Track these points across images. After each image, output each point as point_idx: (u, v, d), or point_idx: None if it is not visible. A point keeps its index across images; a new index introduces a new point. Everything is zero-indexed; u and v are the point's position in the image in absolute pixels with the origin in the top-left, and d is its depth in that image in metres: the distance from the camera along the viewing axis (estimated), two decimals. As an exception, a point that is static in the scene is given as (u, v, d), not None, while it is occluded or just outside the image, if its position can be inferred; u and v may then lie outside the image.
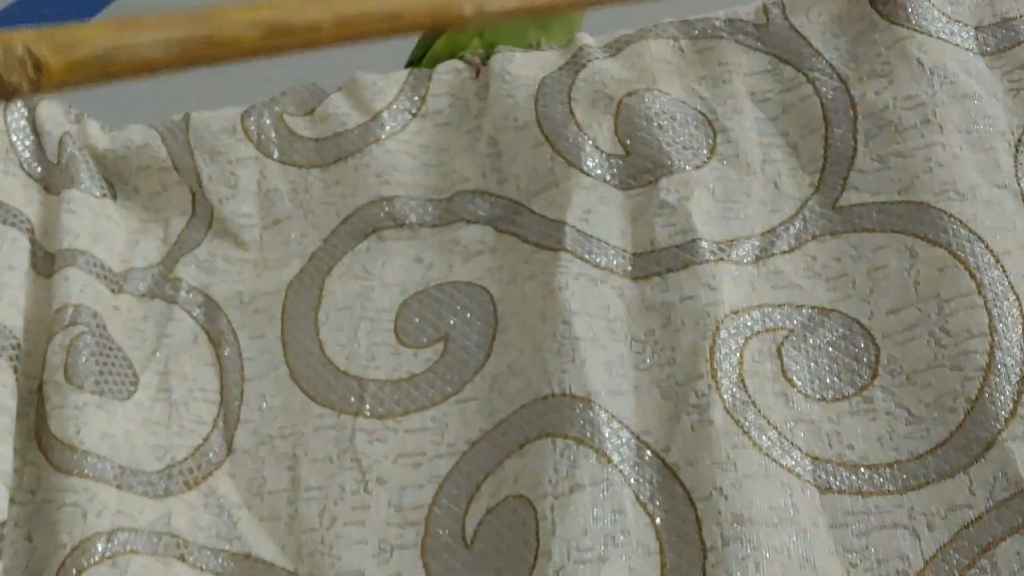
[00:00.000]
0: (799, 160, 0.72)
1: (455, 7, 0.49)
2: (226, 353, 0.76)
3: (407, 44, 0.94)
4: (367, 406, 0.70)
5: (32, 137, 0.82)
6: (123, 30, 0.41)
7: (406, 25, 0.46)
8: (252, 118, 0.83)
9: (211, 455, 0.71)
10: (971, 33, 0.73)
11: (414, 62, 0.91)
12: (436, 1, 0.48)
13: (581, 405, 0.62)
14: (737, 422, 0.60)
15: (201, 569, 0.66)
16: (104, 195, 0.82)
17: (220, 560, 0.67)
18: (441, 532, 0.64)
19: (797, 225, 0.69)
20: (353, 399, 0.71)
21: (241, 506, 0.69)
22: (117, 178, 0.84)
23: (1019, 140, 0.68)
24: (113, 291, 0.77)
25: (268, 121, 0.82)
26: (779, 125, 0.74)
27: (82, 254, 0.76)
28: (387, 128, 0.80)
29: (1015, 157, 0.68)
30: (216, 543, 0.68)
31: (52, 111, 0.82)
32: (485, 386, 0.69)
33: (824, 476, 0.59)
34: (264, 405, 0.73)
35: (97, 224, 0.80)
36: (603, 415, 0.62)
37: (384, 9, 0.46)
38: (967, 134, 0.68)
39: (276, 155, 0.82)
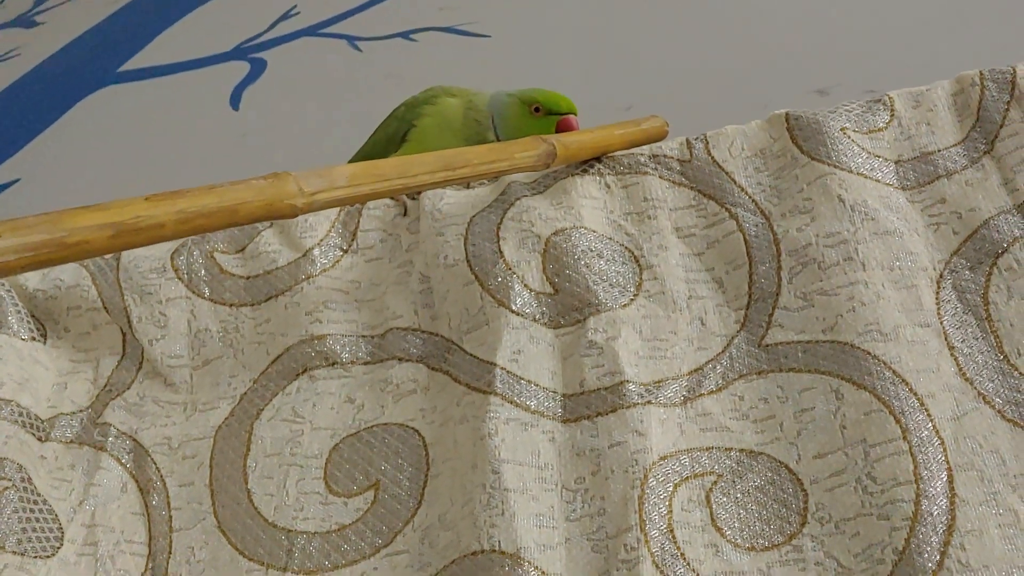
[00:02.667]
0: (725, 296, 0.72)
1: (288, 201, 0.54)
2: (154, 502, 0.74)
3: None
4: (295, 560, 0.69)
5: (-44, 283, 0.81)
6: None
7: (242, 218, 0.51)
8: (182, 257, 0.82)
9: (137, 614, 0.69)
10: (891, 168, 0.74)
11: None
12: (270, 196, 0.52)
13: (510, 562, 0.61)
14: (666, 577, 0.59)
15: None
16: (33, 338, 0.81)
17: None
18: None
19: (724, 363, 0.69)
20: (281, 553, 0.69)
21: (168, 670, 0.67)
22: (47, 318, 0.84)
23: (941, 276, 0.69)
24: (40, 439, 0.76)
25: (199, 259, 0.82)
26: (704, 260, 0.74)
27: (7, 403, 0.75)
28: (318, 264, 0.80)
29: (937, 294, 0.68)
30: None
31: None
32: (416, 538, 0.68)
33: (755, 634, 0.58)
34: (192, 558, 0.71)
35: (24, 369, 0.78)
36: (533, 572, 0.61)
37: (223, 205, 0.49)
38: (889, 271, 0.68)
39: (207, 294, 0.81)
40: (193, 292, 0.81)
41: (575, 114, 0.85)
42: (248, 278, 0.81)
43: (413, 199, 0.82)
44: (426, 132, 0.86)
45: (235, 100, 1.32)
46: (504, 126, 0.85)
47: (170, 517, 0.73)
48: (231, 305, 0.81)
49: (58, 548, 0.71)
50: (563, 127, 0.84)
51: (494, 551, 0.62)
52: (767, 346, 0.69)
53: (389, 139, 0.87)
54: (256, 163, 1.20)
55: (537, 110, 0.85)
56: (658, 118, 0.84)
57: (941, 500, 0.58)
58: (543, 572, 0.61)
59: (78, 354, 0.83)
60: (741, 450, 0.65)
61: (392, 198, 0.82)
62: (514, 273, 0.74)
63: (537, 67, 1.17)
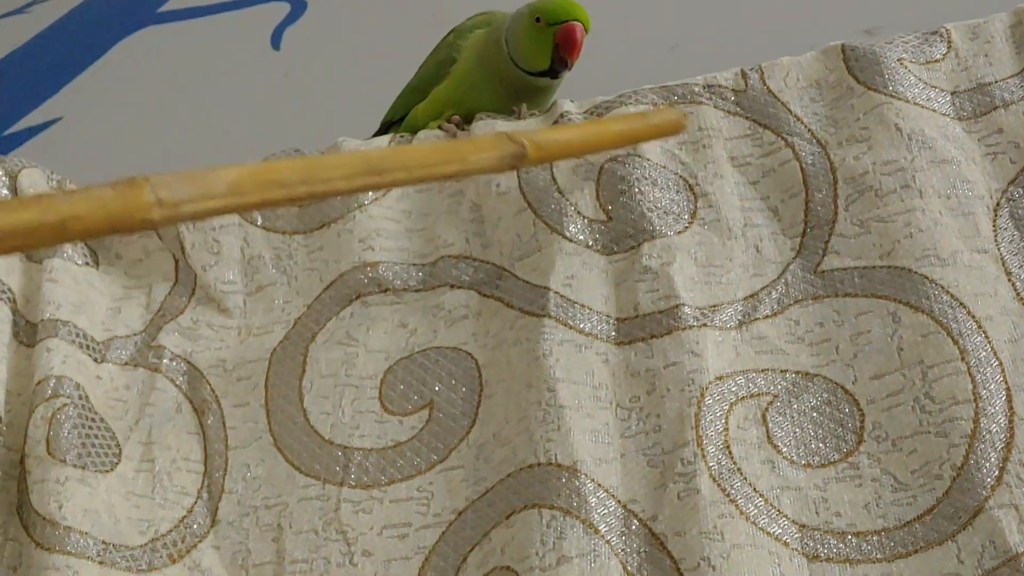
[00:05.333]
0: (780, 224, 0.73)
1: (140, 215, 0.42)
2: (209, 422, 0.75)
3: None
4: (352, 475, 0.70)
5: (14, 206, 0.82)
6: None
7: (76, 234, 0.39)
8: (235, 184, 0.83)
9: (195, 527, 0.71)
10: (948, 99, 0.74)
11: (389, 123, 0.92)
12: (114, 209, 0.41)
13: (567, 475, 0.62)
14: (724, 490, 0.60)
15: (184, 646, 0.65)
16: (87, 263, 0.82)
17: (205, 637, 0.66)
18: (429, 605, 0.64)
19: (779, 289, 0.70)
20: (338, 468, 0.70)
21: (226, 579, 0.69)
22: (100, 245, 0.84)
23: (998, 204, 0.69)
24: (96, 360, 0.77)
25: (251, 187, 0.82)
26: (760, 189, 0.74)
27: (64, 324, 0.76)
28: (370, 194, 0.80)
29: (994, 221, 0.68)
30: (201, 619, 0.67)
31: (34, 178, 0.82)
32: (471, 454, 0.69)
33: (812, 544, 0.59)
34: (248, 475, 0.72)
35: (79, 293, 0.79)
36: (589, 484, 0.62)
37: (45, 221, 0.40)
38: (947, 199, 0.68)
39: (259, 221, 0.82)
40: (246, 219, 0.82)
41: (582, 23, 0.78)
42: (301, 206, 0.81)
43: (464, 129, 0.82)
44: (464, 68, 0.85)
45: (276, 40, 1.32)
46: (515, 45, 0.81)
47: (225, 436, 0.74)
48: (284, 232, 0.81)
49: (116, 464, 0.72)
50: (561, 38, 0.77)
51: (551, 464, 0.63)
52: (823, 272, 0.69)
53: (440, 65, 0.87)
54: (298, 103, 1.20)
55: (538, 20, 0.78)
56: (674, 110, 0.75)
57: (1000, 418, 0.59)
58: (599, 484, 0.62)
59: (131, 280, 0.84)
60: (797, 372, 0.66)
61: (443, 128, 0.82)
62: (567, 200, 0.74)
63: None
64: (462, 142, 0.55)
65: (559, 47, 0.78)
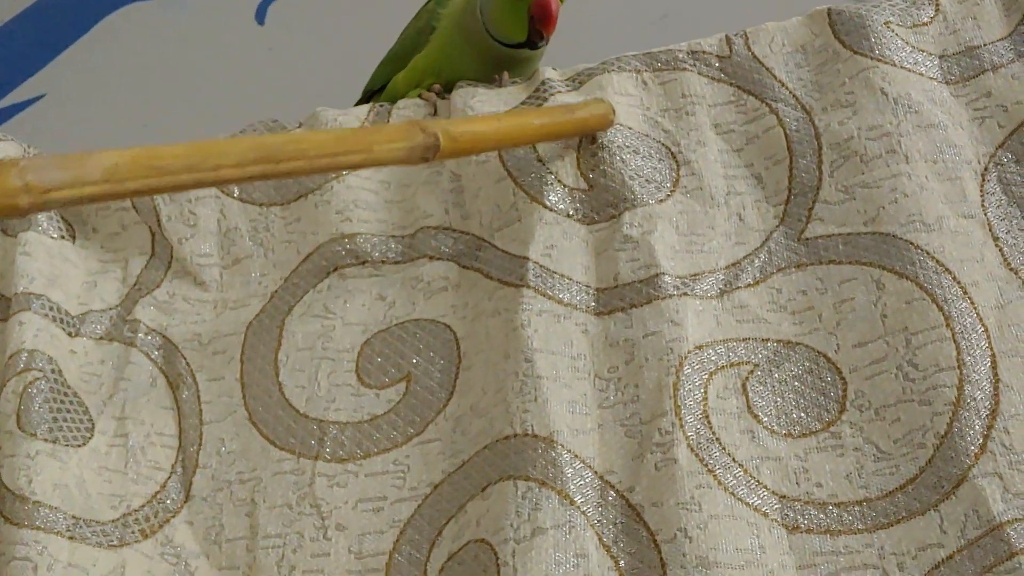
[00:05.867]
0: (764, 191, 0.71)
1: (6, 200, 0.40)
2: (184, 396, 0.74)
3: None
4: (327, 449, 0.68)
5: (-14, 178, 0.80)
6: None
7: None
8: (212, 156, 0.81)
9: (168, 502, 0.69)
10: (935, 62, 0.72)
11: (371, 92, 0.90)
12: None
13: (543, 445, 0.61)
14: (702, 460, 0.59)
15: (156, 623, 0.64)
16: (62, 236, 0.80)
17: (176, 612, 0.65)
18: (403, 579, 0.63)
19: (762, 258, 0.68)
20: (313, 442, 0.69)
21: (199, 555, 0.67)
22: (76, 218, 0.83)
23: (985, 169, 0.67)
24: (70, 334, 0.76)
25: (228, 159, 0.81)
26: (743, 156, 0.73)
27: (38, 298, 0.75)
28: (348, 164, 0.79)
29: (981, 186, 0.67)
30: (172, 595, 0.66)
31: (9, 150, 0.81)
32: (448, 427, 0.67)
33: (792, 515, 0.58)
34: (223, 449, 0.71)
35: (54, 266, 0.78)
36: (566, 455, 0.61)
37: None
38: (933, 164, 0.67)
39: (236, 193, 0.80)
40: (222, 191, 0.80)
41: None
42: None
43: (444, 98, 0.80)
44: (443, 36, 0.83)
45: (260, 16, 1.31)
46: (489, 17, 0.79)
47: (200, 410, 0.73)
48: (261, 204, 0.80)
49: (89, 438, 0.71)
50: (536, 10, 0.75)
51: (527, 435, 0.62)
52: (807, 240, 0.67)
53: (419, 33, 0.85)
54: (281, 78, 1.19)
55: None
56: (602, 103, 0.72)
57: (985, 385, 0.57)
58: (576, 455, 0.61)
59: (107, 254, 0.82)
60: (778, 341, 0.64)
61: (422, 96, 0.81)
62: (548, 169, 0.73)
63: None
64: (370, 130, 0.53)
65: (534, 20, 0.76)
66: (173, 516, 0.69)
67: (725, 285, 0.67)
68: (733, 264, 0.68)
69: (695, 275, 0.67)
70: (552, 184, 0.72)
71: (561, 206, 0.72)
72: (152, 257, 0.81)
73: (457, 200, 0.76)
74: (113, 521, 0.68)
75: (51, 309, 0.75)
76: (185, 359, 0.75)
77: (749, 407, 0.62)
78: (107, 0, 1.36)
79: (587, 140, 0.73)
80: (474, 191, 0.75)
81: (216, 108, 1.17)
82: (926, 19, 0.73)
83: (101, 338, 0.77)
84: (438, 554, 0.62)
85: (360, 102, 0.92)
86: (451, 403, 0.68)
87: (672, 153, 0.73)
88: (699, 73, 0.75)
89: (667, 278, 0.66)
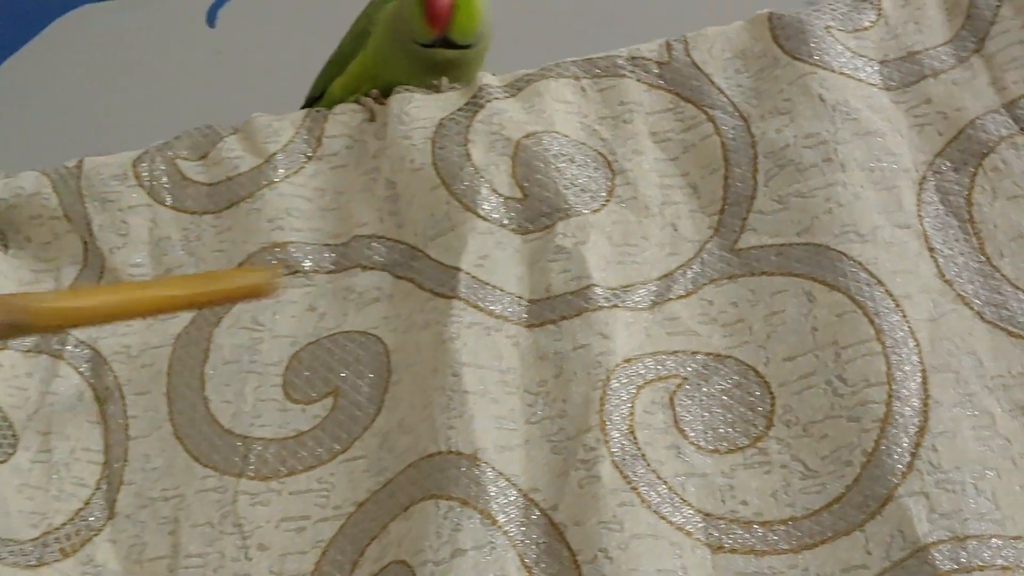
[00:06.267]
0: (699, 201, 0.70)
1: None
2: (111, 411, 0.72)
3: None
4: (251, 466, 0.67)
5: (-84, 189, 0.79)
6: None
7: None
8: (144, 164, 0.80)
9: (91, 519, 0.68)
10: (876, 68, 0.71)
11: (312, 99, 0.88)
12: None
13: (467, 463, 0.59)
14: (625, 477, 0.57)
15: (75, 645, 0.62)
16: (-7, 246, 0.79)
17: (95, 635, 0.63)
18: (324, 601, 0.61)
19: (695, 269, 0.67)
20: (237, 459, 0.67)
21: (120, 574, 0.65)
22: (8, 227, 0.81)
23: (923, 177, 0.66)
24: (-4, 347, 0.74)
25: (161, 166, 0.79)
26: (680, 165, 0.71)
27: (-38, 309, 0.73)
28: (280, 171, 0.77)
29: (919, 195, 0.65)
30: (91, 615, 0.64)
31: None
32: (375, 443, 0.66)
33: (716, 534, 0.56)
34: (148, 465, 0.69)
35: (-18, 277, 0.76)
36: (490, 472, 0.59)
37: None
38: (870, 172, 0.65)
39: (169, 201, 0.79)
40: (155, 200, 0.79)
41: None
42: (211, 185, 0.78)
43: (382, 103, 0.79)
44: (378, 40, 0.80)
45: (211, 18, 1.29)
46: (404, 16, 0.76)
47: (127, 425, 0.71)
48: (193, 213, 0.78)
49: (11, 454, 0.69)
50: (425, 4, 0.74)
51: (451, 452, 0.60)
52: (739, 250, 0.66)
53: (356, 38, 0.83)
54: (232, 82, 1.17)
55: None
56: (266, 274, 0.66)
57: (914, 401, 0.56)
58: (500, 473, 0.59)
59: (39, 264, 0.81)
60: (708, 353, 0.63)
61: (360, 102, 0.79)
62: (482, 177, 0.71)
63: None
64: None
65: (424, 15, 0.74)
66: (96, 534, 0.67)
67: (657, 297, 0.66)
68: (666, 275, 0.67)
69: (627, 287, 0.66)
70: (486, 193, 0.71)
71: (495, 215, 0.70)
72: (85, 267, 0.79)
73: (392, 208, 0.75)
74: (32, 540, 0.66)
75: (-25, 322, 0.73)
76: (113, 372, 0.74)
77: (676, 422, 0.60)
78: (57, 3, 1.34)
79: (523, 147, 0.71)
80: (408, 199, 0.73)
81: (166, 111, 1.15)
82: (867, 23, 0.72)
83: (29, 351, 0.75)
84: (360, 575, 0.61)
85: (304, 106, 0.90)
86: (379, 419, 0.67)
87: (608, 162, 0.72)
88: (638, 80, 0.74)
89: (598, 290, 0.65)
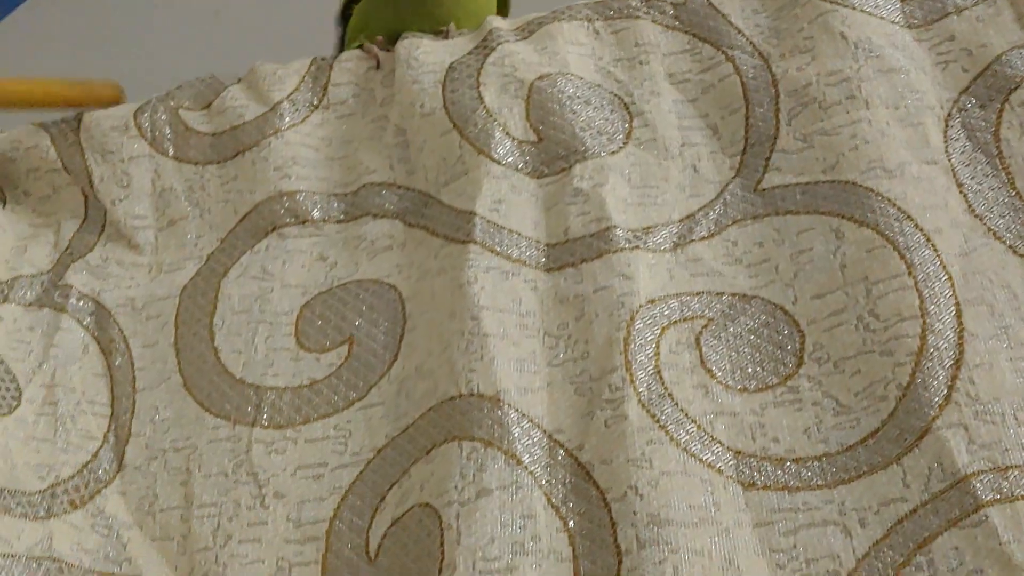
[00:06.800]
0: (719, 142, 0.68)
1: None
2: (117, 363, 0.70)
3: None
4: (264, 415, 0.65)
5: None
6: None
7: None
8: (146, 114, 0.78)
9: (100, 472, 0.66)
10: (897, 5, 0.69)
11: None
12: None
13: (489, 405, 0.58)
14: (653, 416, 0.56)
15: (87, 595, 0.60)
16: (-9, 201, 0.77)
17: (108, 585, 0.61)
18: (343, 548, 0.59)
19: (717, 210, 0.65)
20: (250, 408, 0.66)
21: (131, 526, 0.64)
22: (6, 182, 0.79)
23: (949, 115, 0.65)
24: (-2, 300, 0.72)
25: (163, 117, 0.78)
26: (699, 106, 0.70)
27: (-38, 263, 0.71)
28: (287, 120, 0.75)
29: (945, 132, 0.64)
30: (103, 566, 0.62)
31: None
32: (392, 390, 0.64)
33: (748, 471, 0.55)
34: (157, 417, 0.68)
35: (-20, 232, 0.74)
36: (513, 414, 0.58)
37: None
38: (895, 109, 0.64)
39: (171, 152, 0.77)
40: (157, 151, 0.77)
41: None
42: (214, 135, 0.76)
43: (387, 50, 0.77)
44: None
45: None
46: None
47: (133, 378, 0.70)
48: (196, 163, 0.76)
49: (15, 407, 0.67)
50: None
51: (472, 395, 0.58)
52: (763, 190, 0.65)
53: None
54: (231, 43, 1.15)
55: None
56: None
57: (948, 334, 0.54)
58: (523, 414, 0.58)
59: (38, 218, 0.79)
60: (733, 294, 0.62)
61: (364, 48, 0.77)
62: (495, 120, 0.70)
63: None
64: None
65: None
66: (105, 486, 0.65)
67: (679, 238, 0.65)
68: (687, 217, 0.65)
69: (648, 228, 0.65)
70: (500, 137, 0.69)
71: (510, 159, 0.69)
72: (85, 220, 0.78)
73: (402, 155, 0.73)
74: (40, 492, 0.64)
75: (-24, 275, 0.71)
76: (118, 325, 0.72)
77: (703, 362, 0.59)
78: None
79: (536, 90, 0.70)
80: (419, 145, 0.72)
81: (164, 70, 1.13)
82: (887, -39, 0.71)
83: (31, 304, 0.73)
84: (381, 520, 0.59)
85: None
86: (395, 366, 0.65)
87: (625, 104, 0.70)
88: (653, 21, 0.72)
89: (618, 231, 0.63)
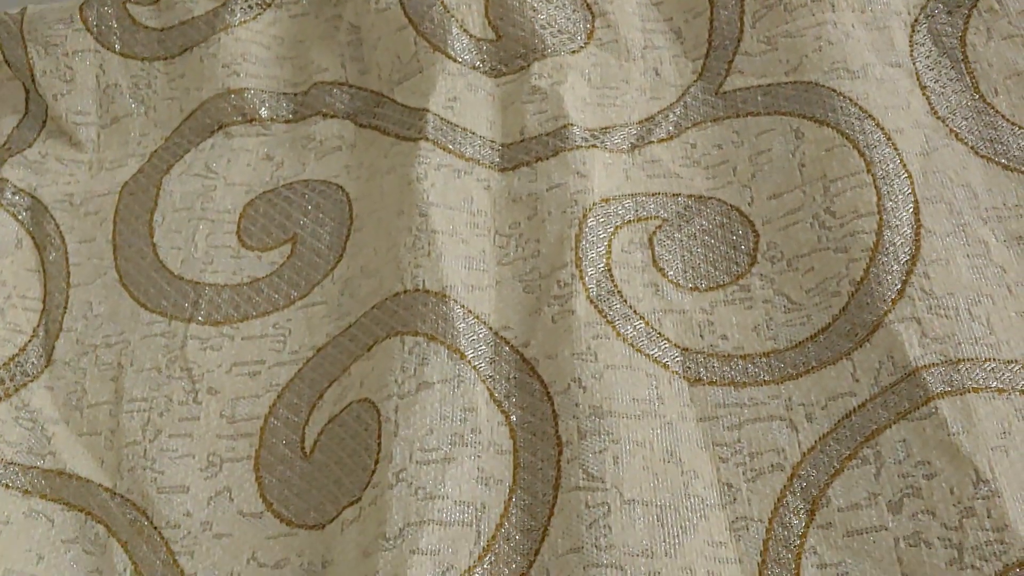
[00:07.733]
0: (682, 46, 0.66)
1: None
2: (51, 258, 0.68)
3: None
4: (201, 312, 0.63)
5: None
6: None
7: None
8: (93, 7, 0.75)
9: (28, 366, 0.63)
10: (866, -89, 0.67)
11: None
12: None
13: (435, 300, 0.56)
14: (601, 312, 0.54)
15: (6, 486, 0.58)
16: (-74, 94, 0.74)
17: (30, 477, 0.59)
18: (278, 444, 0.57)
19: (677, 112, 0.63)
20: (187, 304, 0.63)
21: (57, 421, 0.61)
22: (-54, 77, 0.76)
23: (916, 20, 0.63)
24: (-70, 194, 0.69)
25: (110, 10, 0.75)
26: (663, 9, 0.68)
27: None
28: (238, 16, 0.72)
29: (911, 36, 0.62)
30: (26, 459, 0.60)
31: None
32: (335, 289, 0.62)
33: (694, 367, 0.53)
34: (90, 312, 0.65)
35: (-87, 124, 0.71)
36: (459, 310, 0.56)
37: None
38: (860, 12, 0.63)
39: (117, 47, 0.74)
40: (103, 45, 0.74)
41: None
42: (162, 30, 0.74)
43: (346, -52, 0.74)
44: None
45: None
46: None
47: (68, 273, 0.67)
48: (143, 59, 0.74)
49: (-59, 300, 0.64)
50: None
51: (418, 290, 0.56)
52: (725, 93, 0.63)
53: None
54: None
55: None
56: None
57: (905, 230, 0.53)
58: (469, 311, 0.56)
59: (-23, 113, 0.76)
60: (690, 196, 0.60)
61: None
62: (452, 16, 0.67)
63: None
64: None
65: None
66: (32, 380, 0.63)
67: (637, 139, 0.63)
68: (647, 119, 0.63)
69: (606, 128, 0.63)
70: (457, 33, 0.67)
71: (466, 56, 0.67)
72: (26, 115, 0.75)
73: (355, 54, 0.71)
74: (-37, 385, 0.62)
75: (-91, 167, 0.68)
76: (55, 220, 0.69)
77: (655, 260, 0.57)
78: None
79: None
80: (373, 42, 0.69)
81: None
82: None
83: (-38, 198, 0.70)
84: (318, 417, 0.57)
85: None
86: (340, 265, 0.63)
87: (587, 4, 0.68)
88: (619, -79, 0.70)
89: (576, 130, 0.61)
